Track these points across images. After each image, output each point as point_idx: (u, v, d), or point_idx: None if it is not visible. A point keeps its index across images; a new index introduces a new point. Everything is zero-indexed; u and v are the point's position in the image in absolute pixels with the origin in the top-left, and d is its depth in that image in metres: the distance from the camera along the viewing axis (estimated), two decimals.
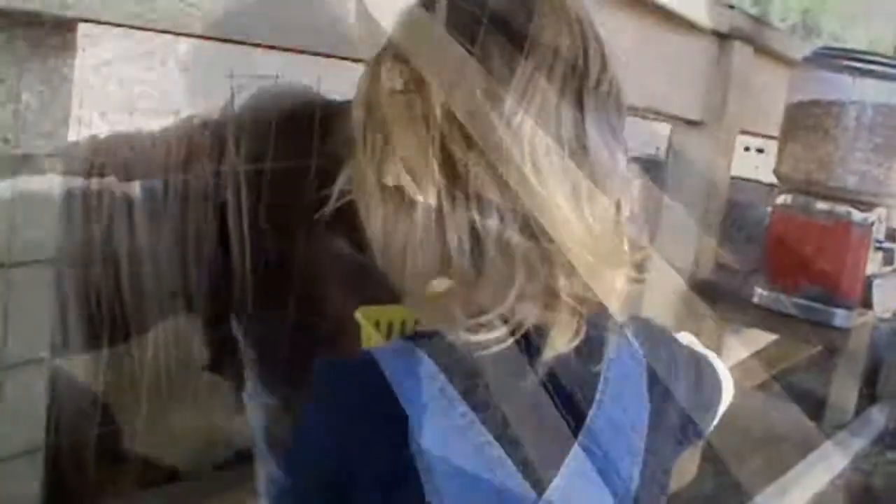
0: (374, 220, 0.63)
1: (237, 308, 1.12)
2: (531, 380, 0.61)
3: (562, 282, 0.60)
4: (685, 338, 0.83)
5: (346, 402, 0.61)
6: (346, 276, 1.11)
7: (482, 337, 0.59)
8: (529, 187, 0.58)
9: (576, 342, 0.62)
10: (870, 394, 2.77)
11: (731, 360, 2.18)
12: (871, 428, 2.59)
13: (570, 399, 0.63)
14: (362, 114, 0.64)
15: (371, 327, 0.79)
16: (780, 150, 1.80)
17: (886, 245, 1.74)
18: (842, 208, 1.67)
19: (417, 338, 0.63)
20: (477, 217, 0.59)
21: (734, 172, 2.02)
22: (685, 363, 0.76)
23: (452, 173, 0.59)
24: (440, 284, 0.60)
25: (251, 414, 1.12)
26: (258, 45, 0.92)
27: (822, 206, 1.69)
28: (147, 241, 1.07)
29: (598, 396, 0.65)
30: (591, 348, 0.64)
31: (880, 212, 1.72)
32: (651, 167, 1.97)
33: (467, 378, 0.60)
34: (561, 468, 0.62)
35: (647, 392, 0.68)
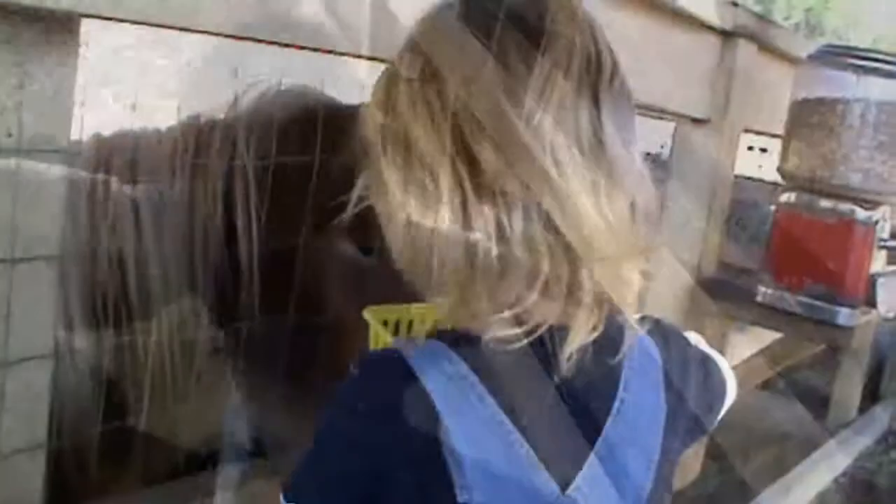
0: (397, 222, 0.63)
1: (229, 318, 1.11)
2: (554, 377, 0.62)
3: (583, 277, 0.61)
4: (692, 337, 0.83)
5: (377, 401, 0.61)
6: (349, 279, 1.11)
7: (508, 332, 0.60)
8: (552, 183, 0.58)
9: (593, 336, 0.62)
10: (873, 392, 2.76)
11: (735, 357, 2.18)
12: (874, 426, 2.58)
13: (590, 397, 0.64)
14: (380, 117, 0.64)
15: (379, 326, 0.80)
16: (785, 148, 1.79)
17: (890, 243, 1.74)
18: (846, 206, 1.66)
19: (444, 336, 0.64)
20: (502, 213, 0.59)
21: (737, 172, 2.02)
22: (695, 363, 0.77)
23: (475, 171, 0.59)
24: (466, 282, 0.61)
25: (228, 430, 1.12)
26: (261, 42, 0.92)
27: (826, 203, 1.68)
28: (151, 239, 1.07)
29: (617, 394, 0.66)
30: (609, 348, 0.65)
31: (884, 210, 1.71)
32: (655, 165, 1.97)
33: (495, 376, 0.61)
34: (584, 466, 0.63)
35: (663, 393, 0.69)
